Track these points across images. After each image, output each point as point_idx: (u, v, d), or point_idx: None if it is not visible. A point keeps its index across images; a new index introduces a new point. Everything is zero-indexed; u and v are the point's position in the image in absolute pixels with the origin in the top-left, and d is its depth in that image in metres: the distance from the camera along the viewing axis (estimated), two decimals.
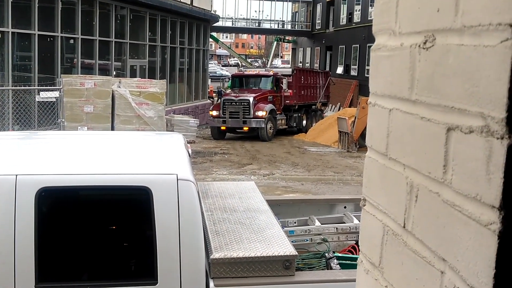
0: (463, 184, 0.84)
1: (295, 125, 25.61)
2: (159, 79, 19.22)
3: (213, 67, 58.36)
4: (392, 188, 1.06)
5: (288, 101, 24.66)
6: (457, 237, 0.86)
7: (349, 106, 31.43)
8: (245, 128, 22.53)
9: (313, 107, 27.70)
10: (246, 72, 26.40)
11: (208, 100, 29.78)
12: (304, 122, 26.41)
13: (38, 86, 15.16)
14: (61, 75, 14.40)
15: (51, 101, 13.09)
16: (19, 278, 3.79)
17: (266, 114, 22.19)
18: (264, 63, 60.05)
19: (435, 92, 0.93)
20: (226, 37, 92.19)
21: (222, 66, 75.24)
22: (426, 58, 0.96)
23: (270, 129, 22.80)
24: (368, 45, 33.02)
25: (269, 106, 22.70)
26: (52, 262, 4.05)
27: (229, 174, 15.50)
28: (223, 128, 22.65)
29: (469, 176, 0.83)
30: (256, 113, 22.08)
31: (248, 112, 22.08)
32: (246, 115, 22.11)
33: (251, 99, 22.18)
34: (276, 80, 24.26)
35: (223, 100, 22.88)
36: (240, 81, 25.09)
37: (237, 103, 22.24)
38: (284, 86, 24.36)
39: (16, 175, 3.89)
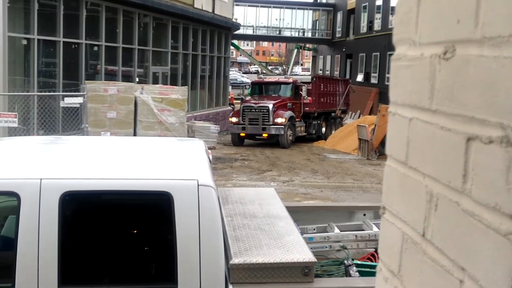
0: (483, 194, 0.85)
1: (314, 132, 25.53)
2: (181, 86, 19.35)
3: (234, 74, 58.51)
4: (412, 197, 1.07)
5: (307, 108, 24.57)
6: (476, 246, 0.86)
7: (369, 114, 31.30)
8: (264, 135, 22.51)
9: (333, 114, 27.62)
10: (265, 79, 26.43)
11: (229, 107, 29.87)
12: (324, 129, 26.33)
13: (62, 92, 15.37)
14: (85, 81, 14.57)
15: (75, 107, 13.25)
16: (42, 280, 3.84)
17: (285, 121, 22.18)
18: (284, 70, 60.06)
19: (455, 102, 0.94)
20: (247, 44, 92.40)
21: (243, 73, 75.42)
22: (446, 69, 0.97)
23: (289, 136, 22.78)
24: (388, 53, 32.89)
25: (289, 113, 22.67)
26: (75, 265, 4.11)
27: (249, 180, 15.52)
28: (242, 134, 22.70)
29: (489, 186, 0.84)
30: (276, 120, 22.08)
31: (267, 119, 22.09)
32: (266, 122, 22.12)
33: (270, 106, 22.19)
34: (296, 87, 24.22)
35: (243, 107, 22.94)
36: (260, 88, 25.11)
37: (257, 110, 22.27)
38: (304, 93, 24.29)
39: (41, 179, 3.95)
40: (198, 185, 4.02)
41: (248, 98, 25.48)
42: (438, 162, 0.98)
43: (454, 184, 0.92)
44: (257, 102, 23.01)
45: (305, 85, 24.78)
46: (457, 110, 0.93)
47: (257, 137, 23.01)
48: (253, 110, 22.36)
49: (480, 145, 0.86)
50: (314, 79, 26.38)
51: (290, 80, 25.00)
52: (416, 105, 1.07)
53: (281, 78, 26.53)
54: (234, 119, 22.78)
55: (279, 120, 22.11)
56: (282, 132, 22.22)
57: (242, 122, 22.35)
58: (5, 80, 14.48)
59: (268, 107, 22.23)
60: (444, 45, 0.98)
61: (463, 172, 0.90)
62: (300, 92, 24.17)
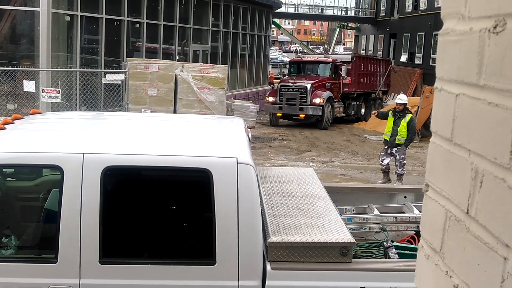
0: None
1: (353, 113, 24.96)
2: (221, 64, 19.37)
3: (274, 53, 58.30)
4: (456, 174, 1.05)
5: (346, 89, 24.01)
6: None
7: (413, 95, 30.76)
8: (302, 115, 22.10)
9: (373, 95, 27.04)
10: (304, 58, 25.82)
11: (269, 86, 29.78)
12: (363, 110, 25.81)
13: (104, 68, 15.59)
14: (127, 58, 14.74)
15: (117, 84, 13.43)
16: (84, 252, 3.94)
17: (323, 102, 21.70)
18: (326, 50, 59.52)
19: (504, 77, 0.91)
20: (288, 23, 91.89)
21: (283, 52, 75.14)
22: (496, 43, 0.94)
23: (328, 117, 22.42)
24: (434, 33, 32.18)
25: (327, 94, 22.18)
26: (115, 238, 4.19)
27: (287, 160, 15.51)
28: (278, 114, 22.35)
29: None
30: (313, 100, 21.61)
31: (305, 99, 21.65)
32: (303, 102, 21.69)
33: (308, 86, 21.71)
34: (335, 67, 23.63)
35: (280, 86, 22.49)
36: (298, 68, 24.61)
37: (294, 90, 21.85)
38: (343, 73, 23.67)
39: (84, 153, 4.04)
40: (237, 163, 4.04)
41: (285, 77, 24.84)
42: (484, 138, 0.96)
43: (501, 161, 0.90)
44: (294, 81, 22.50)
45: (345, 64, 24.16)
46: (506, 85, 0.91)
47: (293, 117, 22.62)
48: (291, 90, 21.91)
49: None
50: (354, 59, 25.75)
51: (329, 60, 24.29)
52: (464, 80, 1.04)
53: (320, 57, 25.86)
54: (271, 99, 22.27)
55: (317, 100, 21.64)
56: (320, 113, 21.79)
57: (279, 101, 21.97)
58: (49, 56, 14.76)
59: (306, 86, 21.76)
60: (494, 19, 0.95)
61: (510, 149, 0.88)
62: (340, 72, 23.58)
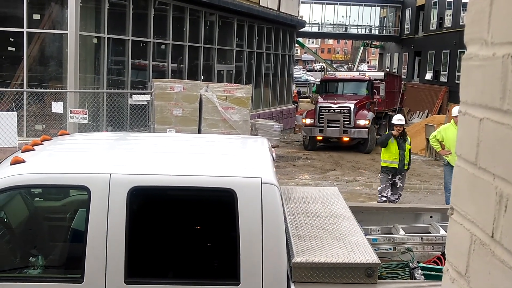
0: None
1: (382, 133, 23.71)
2: (245, 84, 19.46)
3: (298, 72, 58.42)
4: (481, 198, 1.06)
5: (376, 108, 22.44)
6: None
7: (438, 113, 30.52)
8: (346, 139, 20.32)
9: (393, 113, 26.34)
10: (338, 76, 23.98)
11: (293, 105, 29.79)
12: (387, 129, 25.12)
13: (130, 89, 15.79)
14: (152, 79, 14.92)
15: (143, 104, 13.59)
16: (109, 272, 3.97)
17: (369, 123, 19.97)
18: (350, 68, 59.47)
19: None
20: (312, 42, 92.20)
21: (307, 71, 75.26)
22: None
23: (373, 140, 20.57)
24: (459, 50, 31.99)
25: (371, 114, 20.65)
26: (141, 259, 4.22)
27: (311, 179, 15.47)
28: (319, 138, 20.39)
29: None
30: (358, 122, 19.86)
31: (348, 120, 19.87)
32: (346, 123, 19.87)
33: (352, 107, 19.92)
34: (372, 85, 22.16)
35: (319, 107, 20.40)
36: (331, 86, 22.94)
37: (336, 111, 20.00)
38: (382, 91, 22.24)
39: (110, 174, 4.09)
40: (261, 183, 4.06)
41: (318, 97, 22.52)
42: (509, 163, 0.97)
43: None
44: (335, 101, 20.45)
45: (383, 83, 22.76)
46: None
47: (330, 140, 21.09)
48: (332, 111, 19.99)
49: None
50: (386, 77, 24.54)
51: (366, 77, 22.67)
52: (487, 105, 1.05)
53: (356, 75, 24.03)
54: (308, 121, 20.39)
55: (362, 122, 19.90)
56: (366, 136, 19.99)
57: (318, 124, 20.00)
58: (77, 78, 15.02)
59: (349, 107, 19.93)
60: None
61: None
62: (374, 90, 22.15)
